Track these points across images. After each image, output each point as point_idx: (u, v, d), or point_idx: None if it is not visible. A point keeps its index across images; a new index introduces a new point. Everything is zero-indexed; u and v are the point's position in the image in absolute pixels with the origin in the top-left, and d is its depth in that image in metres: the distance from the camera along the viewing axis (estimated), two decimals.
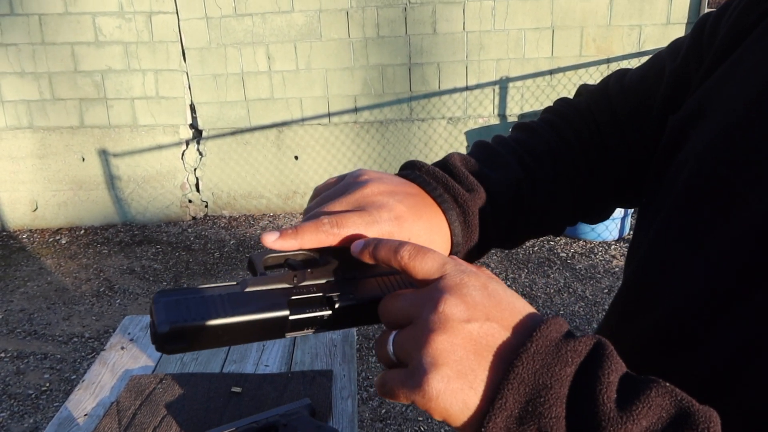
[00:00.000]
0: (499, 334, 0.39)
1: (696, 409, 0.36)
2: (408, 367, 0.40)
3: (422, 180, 0.58)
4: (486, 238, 0.60)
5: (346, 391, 1.43)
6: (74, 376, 3.16)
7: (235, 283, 0.44)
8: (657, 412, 0.36)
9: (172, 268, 4.38)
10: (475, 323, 0.39)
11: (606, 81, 0.72)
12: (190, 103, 4.89)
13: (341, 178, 0.57)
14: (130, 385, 1.43)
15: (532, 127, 0.70)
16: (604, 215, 0.72)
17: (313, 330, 0.46)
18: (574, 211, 0.69)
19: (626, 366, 0.39)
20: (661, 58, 0.66)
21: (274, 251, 0.49)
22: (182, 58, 4.76)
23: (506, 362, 0.38)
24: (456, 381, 0.37)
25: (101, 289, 4.11)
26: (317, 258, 0.49)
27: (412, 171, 0.60)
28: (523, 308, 0.41)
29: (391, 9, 4.62)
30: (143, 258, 4.56)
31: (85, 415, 1.36)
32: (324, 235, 0.49)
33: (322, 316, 0.45)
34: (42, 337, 3.55)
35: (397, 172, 0.62)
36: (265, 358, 1.55)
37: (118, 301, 3.95)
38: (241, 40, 4.71)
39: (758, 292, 0.43)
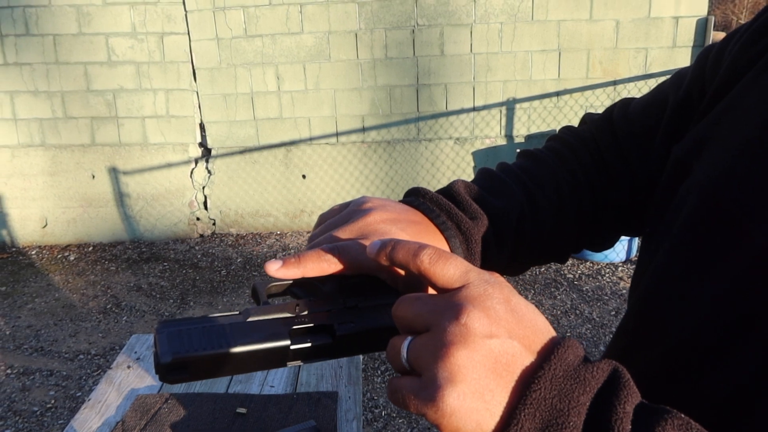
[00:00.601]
0: (520, 353, 0.38)
1: None
2: (422, 377, 0.38)
3: (426, 207, 0.59)
4: (489, 266, 0.60)
5: (351, 413, 1.43)
6: (79, 393, 3.16)
7: (238, 312, 0.45)
8: None
9: (179, 286, 4.39)
10: (497, 340, 0.37)
11: (610, 110, 0.73)
12: (199, 122, 4.94)
13: (345, 205, 0.58)
14: (136, 404, 1.43)
15: (536, 155, 0.70)
16: (608, 243, 0.73)
17: (314, 359, 0.46)
18: (577, 240, 0.69)
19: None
20: (664, 89, 0.67)
21: (278, 279, 0.49)
22: (193, 77, 4.82)
23: (524, 385, 0.37)
24: (472, 400, 0.36)
25: (108, 306, 4.12)
26: (320, 286, 0.49)
27: (415, 198, 0.61)
28: (543, 326, 0.40)
29: (400, 31, 4.66)
30: (150, 275, 4.58)
31: None
32: (326, 264, 0.49)
33: (324, 345, 0.45)
34: (48, 354, 3.55)
35: (402, 197, 0.63)
36: (271, 379, 1.55)
37: (125, 318, 3.96)
38: (251, 61, 4.76)
39: (762, 327, 0.43)
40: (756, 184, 0.46)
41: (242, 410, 1.41)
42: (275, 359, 0.44)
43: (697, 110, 0.59)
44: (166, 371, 0.41)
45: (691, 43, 4.56)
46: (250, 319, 0.44)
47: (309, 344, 0.45)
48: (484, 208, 0.61)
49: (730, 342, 0.45)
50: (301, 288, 0.50)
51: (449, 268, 0.41)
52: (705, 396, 0.47)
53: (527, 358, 0.38)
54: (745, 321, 0.44)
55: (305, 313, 0.46)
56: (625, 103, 0.71)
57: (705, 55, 0.62)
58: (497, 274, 0.42)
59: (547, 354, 0.38)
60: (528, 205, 0.64)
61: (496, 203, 0.62)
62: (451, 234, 0.57)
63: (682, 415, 0.37)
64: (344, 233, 0.53)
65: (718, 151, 0.51)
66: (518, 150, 0.76)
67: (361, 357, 1.66)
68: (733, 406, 0.44)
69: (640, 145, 0.66)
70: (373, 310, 0.47)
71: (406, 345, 0.40)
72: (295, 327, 0.45)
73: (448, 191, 0.62)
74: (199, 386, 1.52)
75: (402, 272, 0.51)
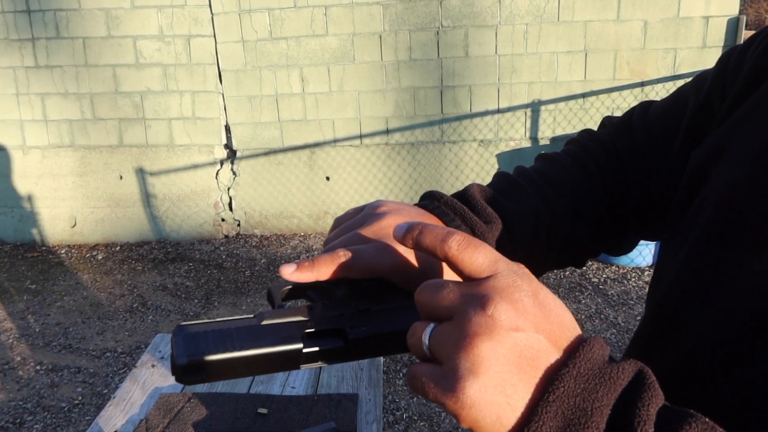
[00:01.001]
0: (545, 348, 0.37)
1: None
2: (443, 366, 0.37)
3: (440, 211, 0.59)
4: None
5: (371, 415, 1.43)
6: (106, 390, 3.22)
7: (252, 316, 0.46)
8: None
9: (204, 286, 4.44)
10: (522, 333, 0.37)
11: (630, 112, 0.72)
12: (225, 123, 4.99)
13: (360, 209, 0.58)
14: (160, 402, 1.45)
15: (554, 159, 0.70)
16: (626, 248, 0.72)
17: (326, 362, 0.46)
18: (594, 244, 0.68)
19: None
20: (685, 92, 0.66)
21: (292, 283, 0.50)
22: (218, 79, 4.88)
23: (548, 381, 0.36)
24: (493, 393, 0.35)
25: (134, 305, 4.19)
26: (334, 290, 0.50)
27: (430, 202, 0.61)
28: (570, 323, 0.39)
29: (424, 33, 4.66)
30: (176, 275, 4.64)
31: (116, 431, 1.39)
32: (340, 267, 0.49)
33: (335, 348, 0.46)
34: (76, 351, 3.62)
35: (417, 201, 0.63)
36: (292, 380, 1.56)
37: (150, 317, 4.01)
38: (276, 63, 4.80)
39: None
40: None
41: (263, 411, 1.42)
42: (288, 362, 0.45)
43: (717, 114, 0.58)
44: (182, 373, 0.42)
45: (722, 44, 4.48)
46: (264, 323, 0.45)
47: (321, 348, 0.45)
48: (499, 212, 0.61)
49: (746, 348, 0.45)
50: (315, 291, 0.51)
51: (478, 256, 0.40)
52: (720, 402, 0.46)
53: (552, 354, 0.37)
54: (762, 327, 0.44)
55: (318, 316, 0.46)
56: (645, 107, 0.71)
57: (727, 58, 0.61)
58: (524, 266, 0.41)
59: (573, 351, 0.37)
60: (544, 209, 0.64)
61: (511, 207, 0.62)
62: None
63: (707, 419, 0.36)
64: (359, 237, 0.53)
65: (737, 157, 0.51)
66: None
67: (382, 359, 1.66)
68: (749, 412, 0.44)
69: (660, 149, 0.65)
70: (385, 314, 0.48)
71: (428, 332, 0.39)
72: (307, 330, 0.45)
73: (463, 195, 0.62)
74: (221, 386, 1.54)
75: (416, 266, 0.51)
